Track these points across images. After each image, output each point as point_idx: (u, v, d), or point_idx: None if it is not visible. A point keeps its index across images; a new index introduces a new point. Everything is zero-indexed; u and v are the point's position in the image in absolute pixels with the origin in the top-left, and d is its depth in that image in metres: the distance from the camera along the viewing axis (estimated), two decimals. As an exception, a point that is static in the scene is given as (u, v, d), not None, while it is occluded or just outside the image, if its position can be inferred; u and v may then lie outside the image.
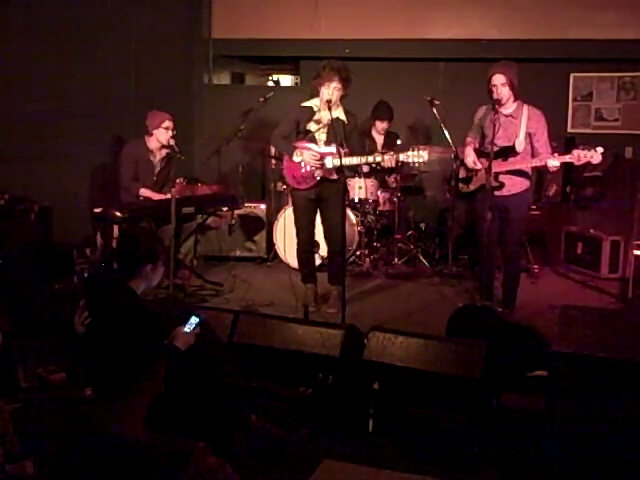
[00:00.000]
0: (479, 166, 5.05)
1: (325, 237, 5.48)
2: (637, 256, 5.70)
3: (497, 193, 4.92)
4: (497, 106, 4.85)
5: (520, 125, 4.89)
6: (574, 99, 7.40)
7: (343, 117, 5.16)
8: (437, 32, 7.43)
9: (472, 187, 5.18)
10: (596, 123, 7.34)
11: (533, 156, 4.93)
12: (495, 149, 4.85)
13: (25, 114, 5.59)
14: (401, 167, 6.82)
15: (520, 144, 4.87)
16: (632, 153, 7.16)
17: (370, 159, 5.02)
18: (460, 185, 5.33)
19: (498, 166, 4.89)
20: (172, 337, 3.17)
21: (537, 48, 7.10)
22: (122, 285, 2.97)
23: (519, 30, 7.17)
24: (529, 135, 4.90)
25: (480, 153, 5.07)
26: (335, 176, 5.07)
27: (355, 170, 6.22)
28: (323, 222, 5.43)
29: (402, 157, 4.98)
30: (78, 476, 1.75)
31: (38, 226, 5.29)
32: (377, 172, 6.69)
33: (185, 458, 1.72)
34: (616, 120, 7.30)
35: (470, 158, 5.09)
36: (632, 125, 7.20)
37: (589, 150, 4.67)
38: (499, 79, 4.83)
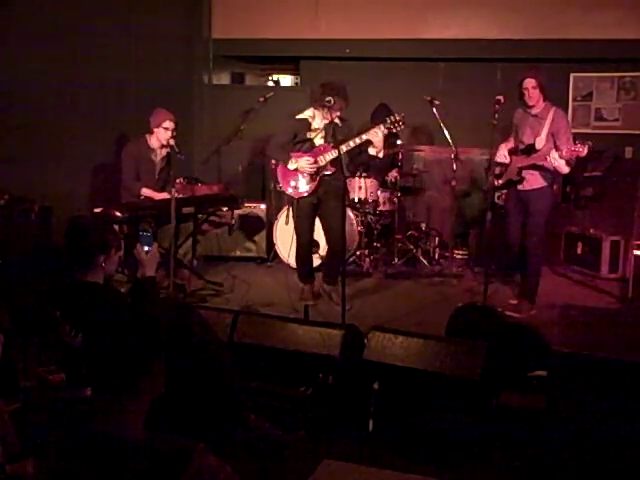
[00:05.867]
0: (507, 160, 5.41)
1: (326, 237, 5.54)
2: (637, 256, 5.71)
3: (520, 187, 5.35)
4: (528, 108, 5.27)
5: (545, 124, 5.20)
6: (574, 99, 7.40)
7: (337, 120, 5.28)
8: (437, 32, 7.44)
9: (501, 181, 5.52)
10: (596, 123, 7.34)
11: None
12: (522, 147, 5.32)
13: (25, 114, 5.59)
14: (401, 167, 6.84)
15: (540, 142, 5.20)
16: (632, 153, 7.16)
17: (357, 140, 5.20)
18: (495, 181, 5.63)
19: (520, 162, 5.31)
20: (141, 272, 3.15)
21: (537, 48, 7.10)
22: (108, 290, 2.95)
23: (519, 30, 7.17)
24: (552, 135, 5.19)
25: (512, 151, 5.47)
26: (332, 169, 5.27)
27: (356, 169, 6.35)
28: (323, 222, 5.49)
29: (384, 126, 5.24)
30: (78, 476, 1.74)
31: (38, 226, 5.29)
32: (378, 169, 6.71)
33: (185, 458, 1.71)
34: (616, 120, 7.30)
35: (499, 152, 5.47)
36: (632, 125, 7.20)
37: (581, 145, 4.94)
38: (530, 82, 5.19)
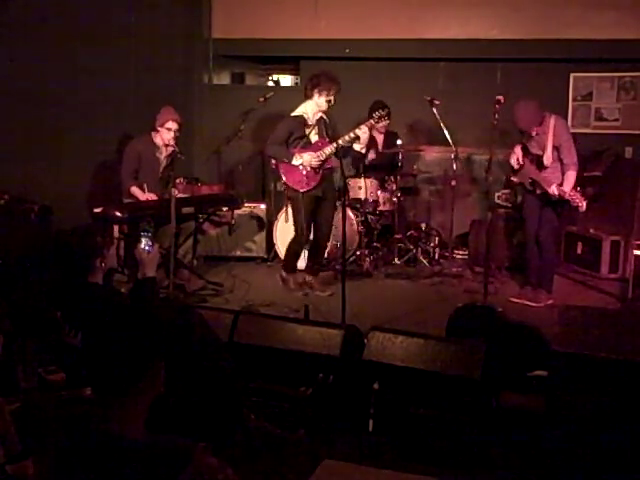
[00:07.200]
0: (517, 164, 5.66)
1: (316, 230, 5.78)
2: (637, 256, 5.71)
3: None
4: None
5: (548, 139, 5.45)
6: (574, 99, 7.39)
7: (325, 117, 5.65)
8: (437, 32, 7.43)
9: (516, 180, 5.81)
10: (596, 123, 7.33)
11: (562, 163, 5.46)
12: (531, 157, 5.60)
13: (25, 114, 5.59)
14: (401, 167, 6.84)
15: (548, 159, 5.46)
16: (632, 153, 7.15)
17: (352, 135, 5.51)
18: (511, 176, 5.90)
19: (533, 173, 5.57)
20: (141, 272, 3.20)
21: (537, 48, 7.10)
22: (108, 291, 2.97)
23: (519, 30, 7.17)
24: (556, 148, 5.44)
25: (525, 151, 5.69)
26: (332, 164, 5.61)
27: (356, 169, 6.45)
28: (317, 216, 5.75)
29: (373, 121, 5.70)
30: (78, 476, 1.74)
31: (38, 226, 5.29)
32: (377, 170, 6.73)
33: (185, 458, 1.71)
34: (616, 120, 7.29)
35: (513, 155, 5.69)
36: (632, 125, 7.19)
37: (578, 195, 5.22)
38: (530, 127, 5.48)
